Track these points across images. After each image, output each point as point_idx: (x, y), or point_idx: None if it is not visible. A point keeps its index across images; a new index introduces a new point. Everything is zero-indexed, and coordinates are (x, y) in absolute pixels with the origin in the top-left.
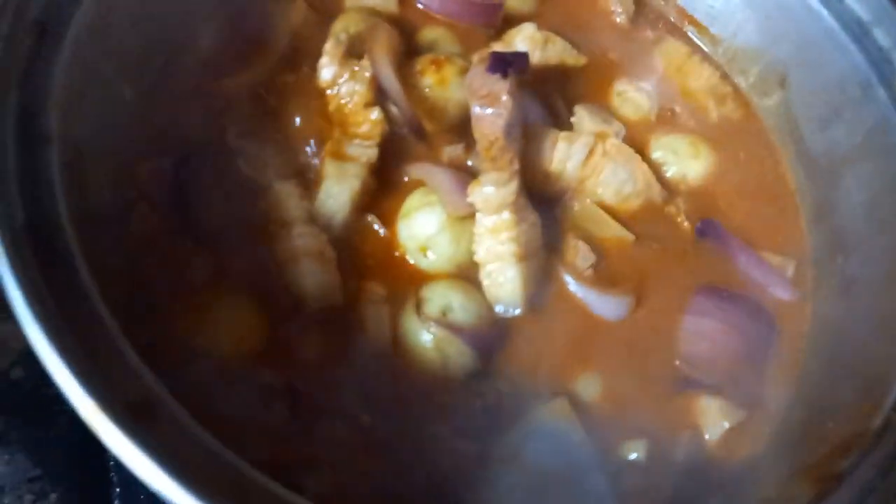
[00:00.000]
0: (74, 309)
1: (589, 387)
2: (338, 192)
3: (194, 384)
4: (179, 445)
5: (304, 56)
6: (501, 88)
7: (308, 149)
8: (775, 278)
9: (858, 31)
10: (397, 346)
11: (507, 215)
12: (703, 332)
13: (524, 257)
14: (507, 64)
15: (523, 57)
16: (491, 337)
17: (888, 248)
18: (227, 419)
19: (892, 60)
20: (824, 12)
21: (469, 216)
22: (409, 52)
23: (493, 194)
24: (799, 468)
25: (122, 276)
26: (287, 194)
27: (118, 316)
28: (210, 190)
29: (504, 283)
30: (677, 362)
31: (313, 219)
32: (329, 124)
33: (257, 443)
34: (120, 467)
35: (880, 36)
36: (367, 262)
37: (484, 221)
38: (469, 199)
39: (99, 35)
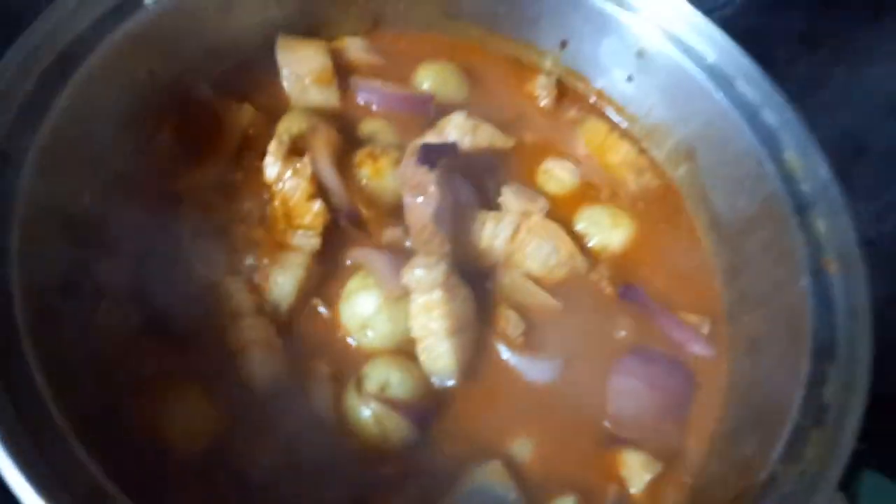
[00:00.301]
0: (27, 409)
1: (522, 448)
2: (283, 280)
3: (147, 479)
4: None
5: (252, 154)
6: (429, 180)
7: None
8: (693, 336)
9: (750, 112)
10: (341, 422)
11: (437, 294)
12: (627, 391)
13: (456, 331)
14: (435, 155)
15: (451, 147)
16: (428, 408)
17: (784, 308)
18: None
19: (778, 138)
20: (719, 95)
21: (405, 296)
22: (350, 142)
23: (425, 276)
24: None
25: (81, 375)
26: (237, 289)
27: (72, 416)
28: (168, 286)
29: (438, 356)
30: (605, 422)
31: (261, 310)
32: (273, 219)
33: None
34: None
35: (768, 116)
36: (313, 343)
37: (418, 300)
38: (403, 281)
39: (56, 155)
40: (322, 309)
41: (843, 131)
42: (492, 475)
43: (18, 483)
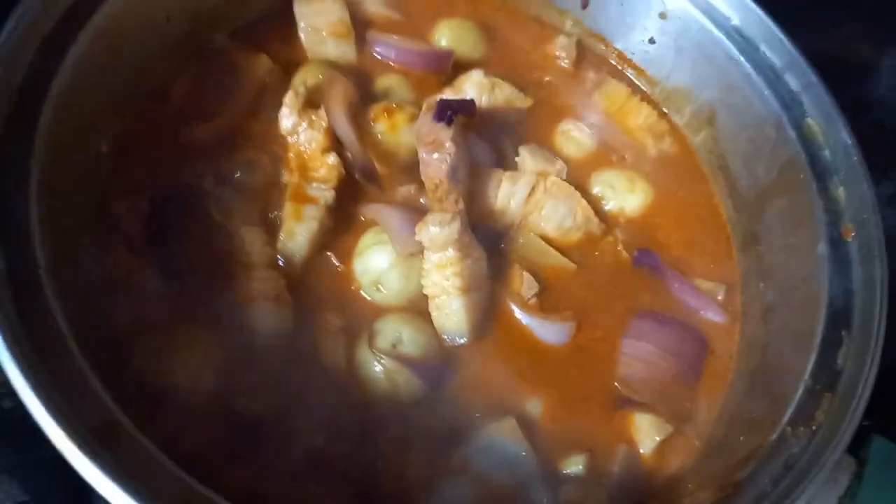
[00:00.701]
0: (47, 347)
1: (534, 408)
2: (298, 231)
3: (156, 412)
4: (136, 465)
5: (268, 106)
6: (446, 135)
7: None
8: (707, 302)
9: (772, 76)
10: (352, 376)
11: (451, 252)
12: (639, 355)
13: (469, 290)
14: (452, 112)
15: (469, 104)
16: (439, 365)
17: (799, 275)
18: (189, 443)
19: (801, 102)
20: (742, 59)
21: (418, 253)
22: (365, 98)
23: (439, 233)
24: (708, 478)
25: (94, 315)
26: (252, 240)
27: (87, 352)
28: (183, 231)
29: (450, 314)
30: (616, 384)
31: (274, 264)
32: (289, 171)
33: (211, 462)
34: None
35: (791, 80)
36: (325, 296)
37: (431, 258)
38: (417, 238)
39: (75, 95)
40: (336, 262)
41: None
42: (505, 431)
43: (39, 412)
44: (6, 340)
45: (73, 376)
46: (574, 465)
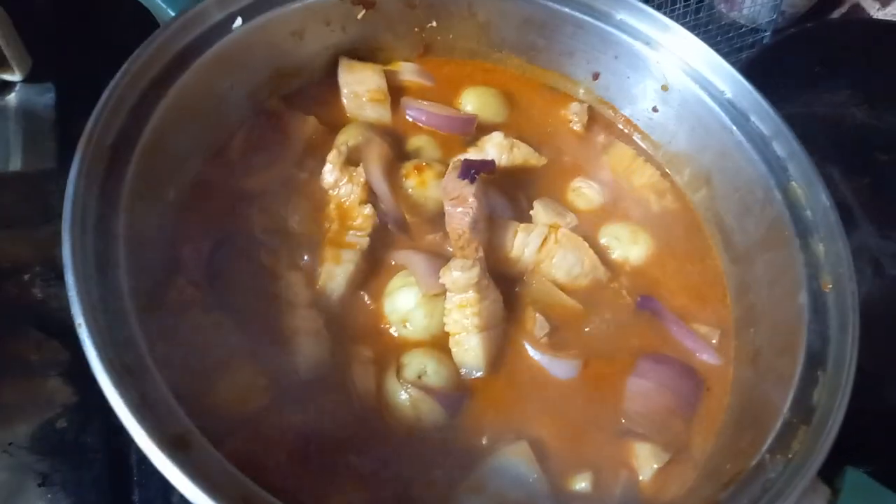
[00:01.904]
0: (133, 367)
1: (544, 433)
2: (337, 273)
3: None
4: (205, 468)
5: (314, 161)
6: (469, 192)
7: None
8: (703, 346)
9: (761, 144)
10: (381, 402)
11: (471, 294)
12: (640, 391)
13: (486, 328)
14: (475, 170)
15: (490, 163)
16: (458, 396)
17: (783, 322)
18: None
19: (786, 168)
20: (734, 128)
21: (440, 294)
22: (400, 155)
23: (460, 276)
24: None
25: (163, 336)
26: (295, 281)
27: (161, 366)
28: (236, 272)
29: (469, 349)
30: (619, 416)
31: (314, 303)
32: (329, 220)
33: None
34: None
35: (777, 148)
36: (358, 331)
37: (453, 299)
38: (440, 280)
39: (154, 152)
40: (368, 301)
41: None
42: (518, 454)
43: (130, 422)
44: (103, 362)
45: (154, 393)
46: (581, 482)
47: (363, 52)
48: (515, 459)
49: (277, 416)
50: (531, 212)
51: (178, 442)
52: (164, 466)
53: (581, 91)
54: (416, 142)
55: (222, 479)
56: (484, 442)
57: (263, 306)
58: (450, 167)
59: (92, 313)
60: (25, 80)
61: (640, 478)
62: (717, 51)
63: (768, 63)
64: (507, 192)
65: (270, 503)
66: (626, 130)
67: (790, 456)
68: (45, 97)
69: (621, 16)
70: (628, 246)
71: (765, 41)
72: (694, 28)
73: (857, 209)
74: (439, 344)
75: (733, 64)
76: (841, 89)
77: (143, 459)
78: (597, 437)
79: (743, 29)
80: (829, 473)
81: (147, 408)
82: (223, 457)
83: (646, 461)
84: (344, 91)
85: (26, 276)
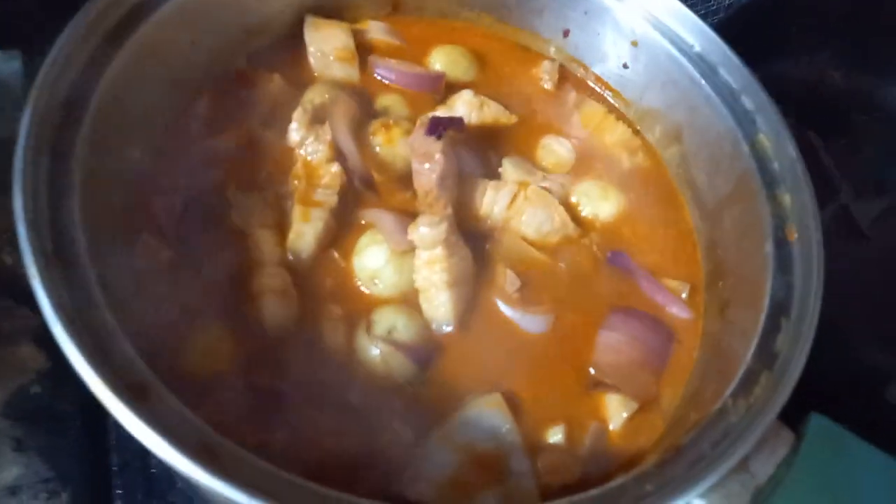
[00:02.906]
0: (89, 316)
1: (515, 386)
2: (306, 231)
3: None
4: (164, 416)
5: (280, 120)
6: (436, 148)
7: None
8: (672, 300)
9: (729, 98)
10: (351, 358)
11: (440, 250)
12: (610, 343)
13: (454, 284)
14: (442, 127)
15: (458, 120)
16: (428, 350)
17: (748, 274)
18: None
19: (754, 121)
20: (703, 82)
21: (409, 251)
22: (367, 114)
23: (428, 233)
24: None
25: (125, 293)
26: (264, 241)
27: (123, 322)
28: (204, 230)
29: (438, 305)
30: (590, 368)
31: (282, 262)
32: (297, 178)
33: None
34: (121, 471)
35: (746, 101)
36: (329, 289)
37: (421, 255)
38: (409, 237)
39: (111, 108)
40: (338, 259)
41: None
42: (490, 405)
43: (86, 372)
44: (57, 312)
45: (110, 342)
46: (555, 435)
47: (329, 10)
48: (488, 410)
49: (244, 374)
50: (500, 170)
51: (137, 390)
52: (122, 414)
53: (552, 49)
54: (384, 101)
55: (182, 426)
56: (456, 394)
57: (231, 265)
58: (417, 124)
59: (45, 263)
60: None
61: (611, 427)
62: (694, 12)
63: (745, 24)
64: (478, 151)
65: (231, 450)
66: (597, 88)
67: (752, 400)
68: (10, 65)
69: None
70: (598, 203)
71: (742, 2)
72: None
73: (834, 170)
74: (409, 300)
75: (710, 24)
76: (819, 51)
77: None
78: (567, 390)
79: None
80: (794, 420)
81: (104, 357)
82: (185, 406)
83: (615, 411)
84: (310, 49)
85: None
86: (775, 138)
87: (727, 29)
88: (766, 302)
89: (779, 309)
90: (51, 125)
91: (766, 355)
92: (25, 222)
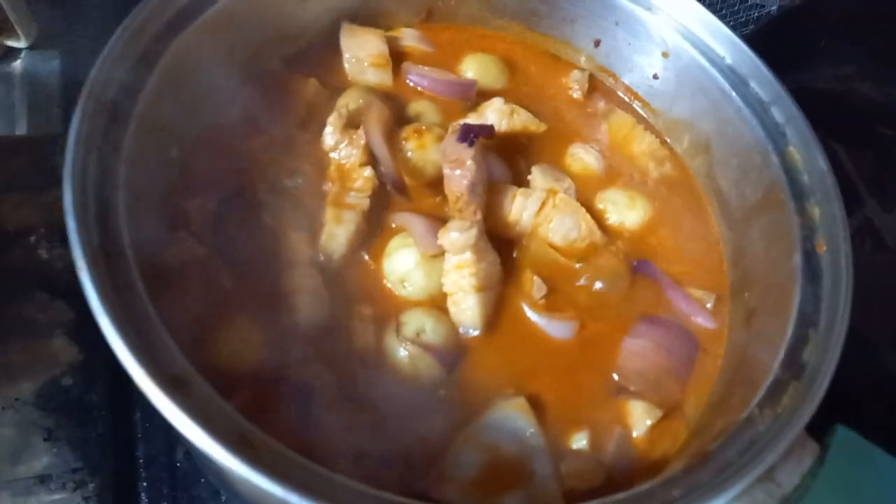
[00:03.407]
0: (133, 309)
1: (540, 390)
2: (338, 233)
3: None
4: (204, 407)
5: (315, 123)
6: (467, 155)
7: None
8: (698, 309)
9: (760, 110)
10: (379, 358)
11: (469, 255)
12: (636, 350)
13: (483, 289)
14: (473, 134)
15: (489, 128)
16: (455, 353)
17: (775, 284)
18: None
19: (784, 133)
20: (734, 94)
21: (439, 255)
22: (399, 120)
23: (458, 238)
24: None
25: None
26: (297, 241)
27: (162, 315)
28: (239, 229)
29: (466, 309)
30: (615, 375)
31: (314, 262)
32: (330, 181)
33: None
34: (148, 464)
35: (776, 113)
36: (359, 290)
37: (451, 259)
38: (439, 242)
39: (154, 110)
40: (368, 261)
41: None
42: (515, 408)
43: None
44: (104, 305)
45: (152, 334)
46: (580, 441)
47: (364, 17)
48: (513, 413)
49: (275, 372)
50: (529, 177)
51: (177, 382)
52: (163, 405)
53: (582, 58)
54: (416, 107)
55: (221, 418)
56: (480, 397)
57: (264, 264)
58: (449, 131)
59: (92, 256)
60: (31, 48)
61: (634, 434)
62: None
63: (773, 36)
64: (507, 158)
65: (268, 443)
66: (626, 98)
67: (779, 410)
68: (50, 64)
69: None
70: (625, 211)
71: (771, 14)
72: (700, 1)
73: (860, 183)
74: (437, 303)
75: (738, 37)
76: (846, 63)
77: (147, 417)
78: (591, 396)
79: (749, 2)
80: (820, 432)
81: (146, 349)
82: (224, 400)
83: (639, 418)
84: (346, 55)
85: (32, 239)
86: (805, 150)
87: (755, 40)
88: (794, 313)
89: (807, 320)
90: (100, 124)
91: (794, 366)
92: (75, 217)
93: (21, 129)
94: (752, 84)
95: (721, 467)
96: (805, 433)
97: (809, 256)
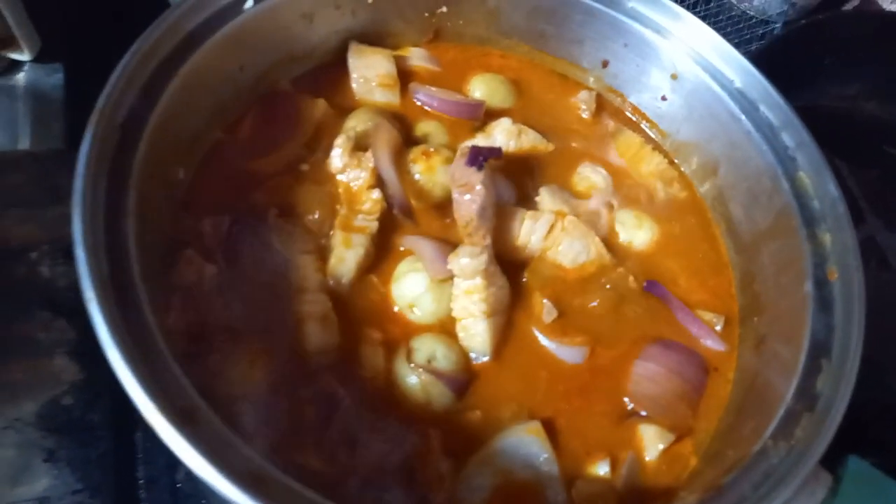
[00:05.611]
0: (141, 338)
1: (551, 414)
2: (347, 256)
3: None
4: (213, 442)
5: (323, 143)
6: (477, 179)
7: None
8: (707, 332)
9: (770, 134)
10: (389, 383)
11: (478, 280)
12: (647, 374)
13: (492, 314)
14: (483, 157)
15: (497, 150)
16: (466, 379)
17: (787, 311)
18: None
19: (795, 158)
20: (743, 118)
21: (448, 279)
22: (407, 140)
23: (469, 264)
24: (697, 486)
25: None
26: (306, 266)
27: (170, 345)
28: (248, 252)
29: (475, 335)
30: (626, 399)
31: (323, 287)
32: (339, 204)
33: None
34: (148, 484)
35: (786, 138)
36: (368, 314)
37: (460, 284)
38: (448, 266)
39: (164, 131)
40: (378, 285)
41: None
42: (529, 432)
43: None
44: (112, 335)
45: (161, 365)
46: (602, 468)
47: (372, 37)
48: (528, 438)
49: (284, 398)
50: (536, 198)
51: (186, 415)
52: (172, 440)
53: (590, 79)
54: (424, 127)
55: (230, 452)
56: (491, 422)
57: (272, 288)
58: (457, 154)
59: (102, 288)
60: (34, 60)
61: (647, 458)
62: (727, 42)
63: (778, 55)
64: (514, 178)
65: (279, 479)
66: (634, 118)
67: (793, 443)
68: (53, 77)
69: (632, 3)
70: (633, 231)
71: (775, 32)
72: (704, 18)
73: (865, 202)
74: (446, 328)
75: (743, 55)
76: (851, 82)
77: (148, 437)
78: (602, 420)
79: (753, 20)
80: (832, 462)
81: (155, 381)
82: (232, 431)
83: (651, 442)
84: (353, 75)
85: (34, 255)
86: (816, 176)
87: (760, 59)
88: (805, 341)
89: (819, 349)
90: (109, 149)
91: (807, 396)
92: (84, 247)
93: (24, 144)
94: (762, 108)
95: (735, 501)
96: (818, 464)
97: (821, 284)
